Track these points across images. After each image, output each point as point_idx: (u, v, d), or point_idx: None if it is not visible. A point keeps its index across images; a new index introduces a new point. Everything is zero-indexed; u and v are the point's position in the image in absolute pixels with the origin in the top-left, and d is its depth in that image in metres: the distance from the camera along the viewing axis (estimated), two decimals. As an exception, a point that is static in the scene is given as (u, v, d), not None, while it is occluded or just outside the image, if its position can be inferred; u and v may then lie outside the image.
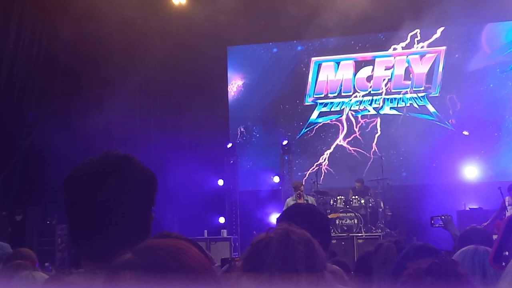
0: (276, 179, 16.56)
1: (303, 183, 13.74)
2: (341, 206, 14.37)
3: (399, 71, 16.67)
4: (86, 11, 13.52)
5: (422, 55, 16.58)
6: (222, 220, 16.73)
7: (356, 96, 16.87)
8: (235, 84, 17.76)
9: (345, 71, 17.02)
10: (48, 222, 14.78)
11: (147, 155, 15.43)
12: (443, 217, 6.17)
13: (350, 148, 16.65)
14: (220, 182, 17.09)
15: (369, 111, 16.77)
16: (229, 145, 17.06)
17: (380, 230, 14.00)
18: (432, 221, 6.24)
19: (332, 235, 12.16)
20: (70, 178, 1.95)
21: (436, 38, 16.40)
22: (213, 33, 15.95)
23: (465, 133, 15.81)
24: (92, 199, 1.88)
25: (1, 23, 14.05)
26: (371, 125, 16.65)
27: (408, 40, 16.51)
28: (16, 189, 14.53)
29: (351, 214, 14.05)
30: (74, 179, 1.94)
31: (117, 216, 1.89)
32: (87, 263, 1.90)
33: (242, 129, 17.53)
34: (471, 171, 15.54)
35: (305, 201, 12.30)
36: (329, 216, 12.99)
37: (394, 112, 16.61)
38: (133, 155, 2.00)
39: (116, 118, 14.86)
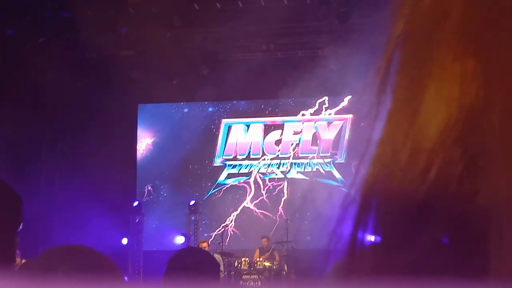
0: (181, 239, 16.35)
1: (209, 243, 13.68)
2: (246, 268, 14.31)
3: (307, 136, 16.99)
4: None
5: (329, 122, 16.98)
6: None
7: (264, 159, 17.05)
8: (144, 142, 17.64)
9: (255, 134, 17.22)
10: None
11: (47, 207, 14.99)
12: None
13: (257, 211, 16.72)
14: (124, 241, 16.72)
15: (276, 175, 16.95)
16: (135, 203, 16.81)
17: (283, 293, 13.99)
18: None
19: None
20: None
21: (343, 106, 16.80)
22: (124, 90, 15.88)
23: (369, 199, 16.18)
24: None
25: None
26: (278, 188, 16.81)
27: (317, 106, 16.89)
28: None
29: (255, 276, 14.02)
30: None
31: None
32: None
33: (149, 188, 17.33)
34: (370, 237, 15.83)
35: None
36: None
37: (301, 176, 16.85)
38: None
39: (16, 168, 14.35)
